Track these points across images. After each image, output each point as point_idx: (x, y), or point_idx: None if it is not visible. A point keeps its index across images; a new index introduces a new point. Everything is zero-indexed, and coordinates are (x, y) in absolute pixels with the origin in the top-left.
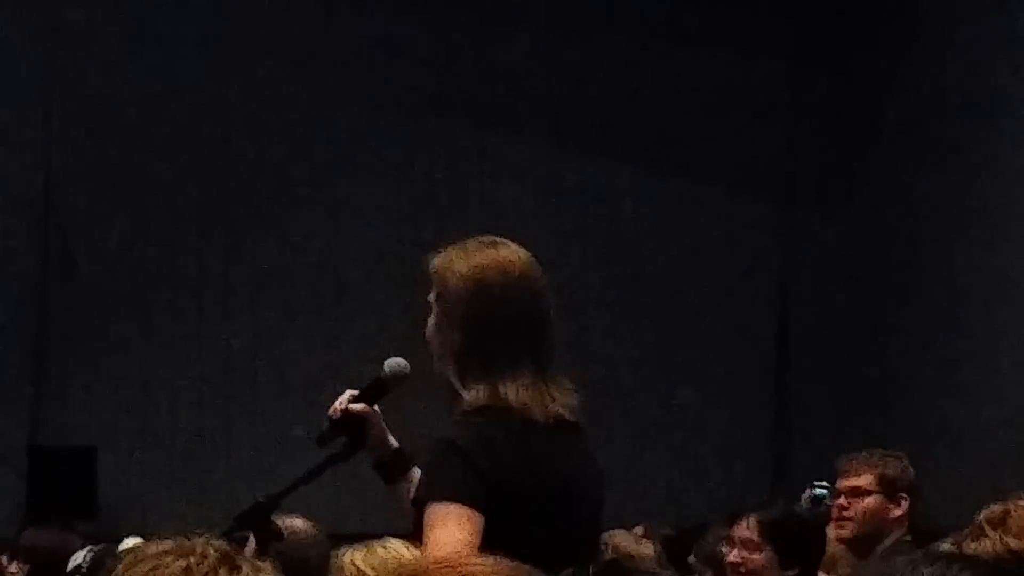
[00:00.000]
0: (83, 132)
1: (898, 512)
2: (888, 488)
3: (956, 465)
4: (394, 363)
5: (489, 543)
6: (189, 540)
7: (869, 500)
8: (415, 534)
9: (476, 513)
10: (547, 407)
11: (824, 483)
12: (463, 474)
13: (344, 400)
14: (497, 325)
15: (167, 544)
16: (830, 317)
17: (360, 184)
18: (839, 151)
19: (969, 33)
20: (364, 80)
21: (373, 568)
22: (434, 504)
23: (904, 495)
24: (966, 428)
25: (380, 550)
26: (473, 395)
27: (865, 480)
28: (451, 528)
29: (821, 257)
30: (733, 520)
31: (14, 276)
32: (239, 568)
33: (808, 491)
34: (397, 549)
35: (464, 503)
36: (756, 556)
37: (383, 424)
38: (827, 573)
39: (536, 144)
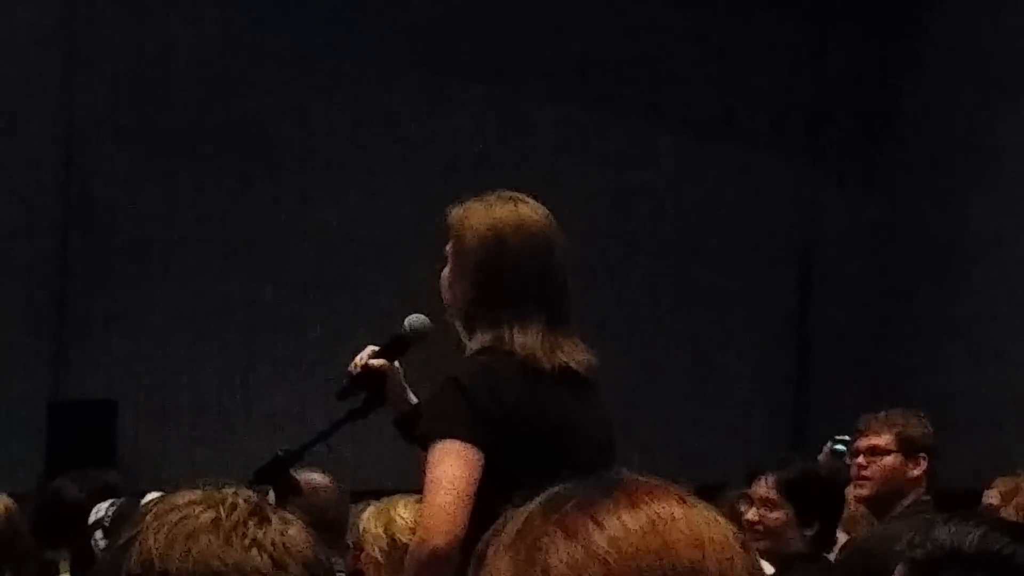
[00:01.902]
0: (106, 85)
1: (917, 472)
2: (907, 448)
3: (976, 427)
4: (415, 320)
5: (492, 477)
6: (219, 491)
7: (888, 459)
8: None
9: (475, 449)
10: (553, 356)
11: (845, 437)
12: (462, 411)
13: (364, 356)
14: (508, 278)
15: (196, 494)
16: (851, 279)
17: (384, 141)
18: (864, 115)
19: None
20: (387, 40)
21: (386, 527)
22: (434, 443)
23: (923, 455)
24: (986, 390)
25: (390, 510)
26: (479, 341)
27: (884, 439)
28: (449, 466)
29: (843, 219)
30: (752, 479)
31: (35, 231)
32: (268, 520)
33: (828, 444)
34: (400, 511)
35: (462, 439)
36: (774, 515)
37: (403, 380)
38: (847, 533)
39: (559, 105)
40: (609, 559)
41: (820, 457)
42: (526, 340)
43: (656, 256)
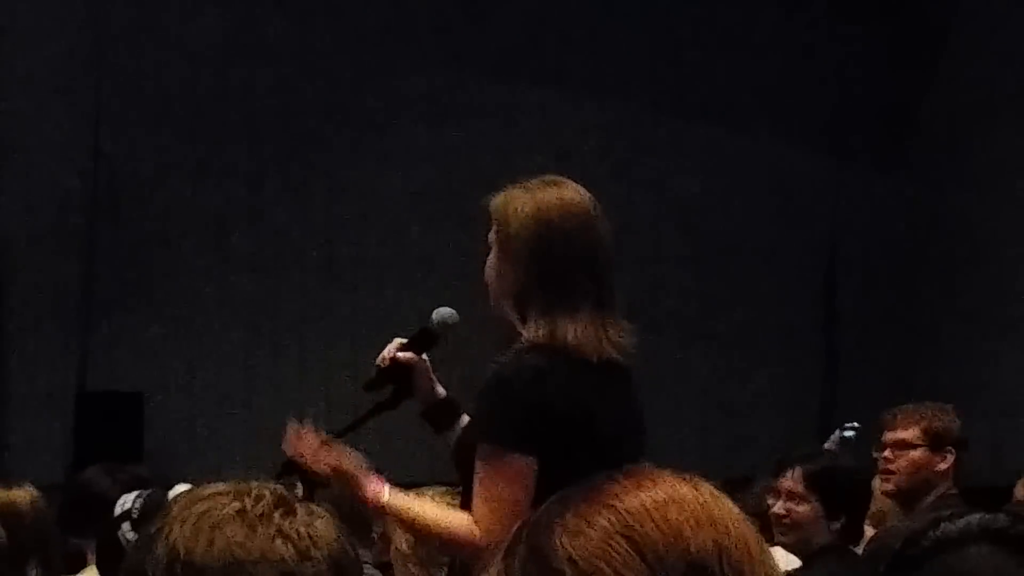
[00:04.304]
0: (135, 77)
1: (944, 466)
2: (934, 441)
3: (1004, 420)
4: (442, 313)
5: (542, 478)
6: (245, 483)
7: (915, 453)
8: (461, 477)
9: (529, 459)
10: (601, 347)
11: (854, 424)
12: (515, 413)
13: (392, 349)
14: (559, 265)
15: (223, 486)
16: (879, 269)
17: (411, 131)
18: (893, 103)
19: None
20: (416, 29)
21: None
22: (486, 448)
23: (950, 448)
24: (1016, 383)
25: None
26: (532, 332)
27: (911, 433)
28: (502, 486)
29: (871, 208)
30: (779, 472)
31: (63, 221)
32: (294, 511)
33: (837, 432)
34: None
35: (517, 450)
36: (801, 507)
37: (431, 373)
38: (875, 527)
39: (583, 93)
40: (628, 531)
41: (827, 444)
42: (577, 331)
43: (681, 248)
